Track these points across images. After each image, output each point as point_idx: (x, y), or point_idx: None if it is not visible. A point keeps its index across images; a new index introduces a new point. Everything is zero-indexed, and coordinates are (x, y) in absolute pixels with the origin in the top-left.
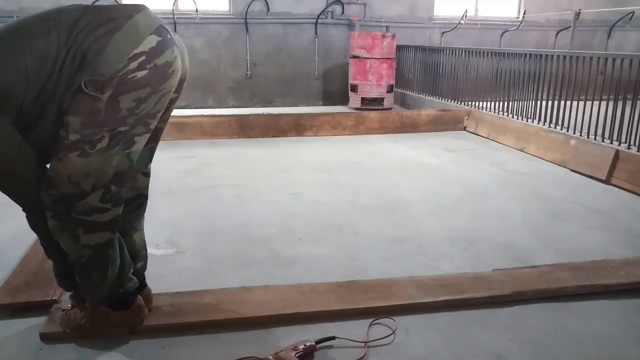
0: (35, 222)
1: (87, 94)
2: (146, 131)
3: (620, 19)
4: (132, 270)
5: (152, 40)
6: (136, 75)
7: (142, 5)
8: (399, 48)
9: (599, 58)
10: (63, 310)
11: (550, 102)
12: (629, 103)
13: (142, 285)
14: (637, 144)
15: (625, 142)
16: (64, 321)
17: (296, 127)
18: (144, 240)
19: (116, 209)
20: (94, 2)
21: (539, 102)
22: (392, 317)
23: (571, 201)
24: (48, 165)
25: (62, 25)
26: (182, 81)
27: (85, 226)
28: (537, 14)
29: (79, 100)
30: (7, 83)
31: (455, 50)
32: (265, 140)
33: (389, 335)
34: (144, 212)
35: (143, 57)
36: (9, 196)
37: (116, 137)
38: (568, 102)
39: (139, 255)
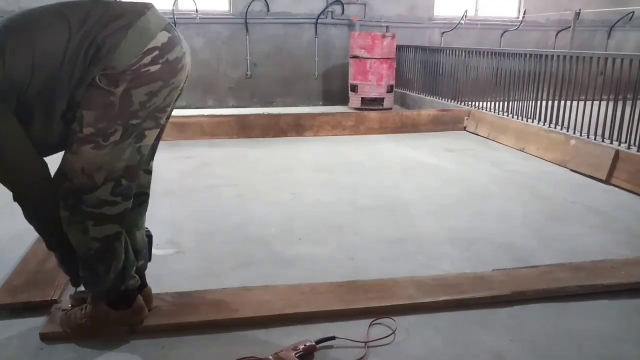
0: (30, 214)
1: (101, 89)
2: (156, 125)
3: (620, 19)
4: (134, 268)
5: (163, 36)
6: (149, 69)
7: (150, 3)
8: (399, 48)
9: (599, 58)
10: (63, 310)
11: (550, 102)
12: (629, 103)
13: (143, 284)
14: (637, 144)
15: (625, 142)
16: (64, 321)
17: (296, 127)
18: (145, 239)
19: (126, 203)
20: None
21: (539, 102)
22: (392, 317)
23: (571, 201)
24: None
25: (73, 16)
26: (186, 78)
27: (94, 218)
28: (537, 14)
29: (93, 95)
30: (12, 75)
31: (455, 50)
32: (265, 140)
33: (389, 335)
34: (146, 209)
35: (156, 52)
36: (6, 186)
37: (128, 130)
38: (568, 102)
39: (140, 253)
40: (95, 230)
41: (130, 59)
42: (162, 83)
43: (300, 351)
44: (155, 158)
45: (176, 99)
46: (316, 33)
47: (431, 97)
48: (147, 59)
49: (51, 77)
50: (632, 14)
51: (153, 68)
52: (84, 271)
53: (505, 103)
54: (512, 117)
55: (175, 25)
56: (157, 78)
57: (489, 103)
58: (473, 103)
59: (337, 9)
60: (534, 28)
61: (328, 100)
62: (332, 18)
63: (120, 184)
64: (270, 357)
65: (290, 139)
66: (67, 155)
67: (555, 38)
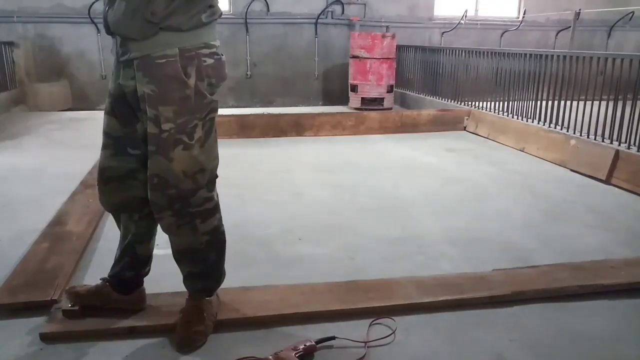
0: None
1: (174, 80)
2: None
3: (620, 19)
4: None
5: (217, 42)
6: (206, 61)
7: None
8: (399, 48)
9: (599, 58)
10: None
11: (550, 102)
12: (629, 103)
13: (140, 283)
14: (637, 144)
15: (625, 142)
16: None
17: (296, 127)
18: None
19: (216, 193)
20: None
21: (539, 102)
22: (392, 317)
23: (571, 201)
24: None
25: None
26: None
27: (201, 216)
28: (537, 14)
29: (170, 89)
30: None
31: (455, 50)
32: (265, 140)
33: (389, 335)
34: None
35: (214, 49)
36: None
37: (206, 126)
38: (568, 102)
39: (150, 260)
40: (204, 226)
41: (199, 41)
42: (214, 80)
43: (300, 351)
44: None
45: None
46: (316, 33)
47: (431, 97)
48: (206, 51)
49: None
50: (632, 14)
51: (209, 60)
52: (196, 267)
53: (505, 103)
54: (512, 117)
55: None
56: (210, 73)
57: (489, 103)
58: (473, 103)
59: (337, 9)
60: (534, 28)
61: (328, 100)
62: (332, 18)
63: (214, 181)
64: (270, 357)
65: (290, 139)
66: (162, 165)
67: (555, 38)
